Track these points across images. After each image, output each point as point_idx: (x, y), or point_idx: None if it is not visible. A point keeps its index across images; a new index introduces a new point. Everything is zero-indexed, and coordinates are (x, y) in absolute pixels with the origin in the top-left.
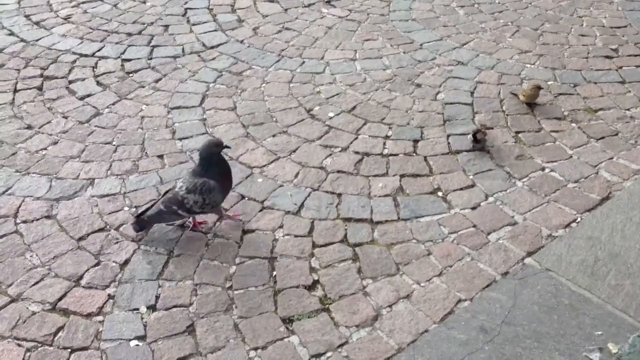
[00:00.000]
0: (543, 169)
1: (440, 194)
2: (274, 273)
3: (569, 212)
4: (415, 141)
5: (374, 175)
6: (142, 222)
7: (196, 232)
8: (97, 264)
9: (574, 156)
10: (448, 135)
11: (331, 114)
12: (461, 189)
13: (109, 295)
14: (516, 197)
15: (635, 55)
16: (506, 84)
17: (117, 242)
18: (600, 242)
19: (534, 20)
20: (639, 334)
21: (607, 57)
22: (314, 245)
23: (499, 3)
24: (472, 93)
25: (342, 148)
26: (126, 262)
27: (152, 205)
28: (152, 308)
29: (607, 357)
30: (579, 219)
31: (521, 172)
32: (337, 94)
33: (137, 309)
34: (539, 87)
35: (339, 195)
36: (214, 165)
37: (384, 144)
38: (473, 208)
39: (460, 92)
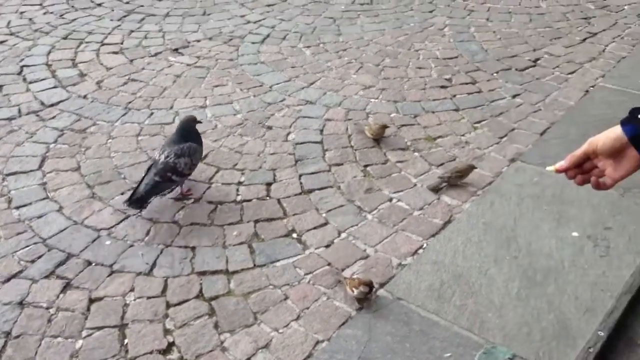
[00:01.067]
0: (391, 199)
1: (295, 235)
2: (126, 341)
3: (416, 239)
4: (269, 184)
5: (229, 224)
6: (138, 202)
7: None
8: None
9: (418, 184)
10: (300, 175)
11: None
12: (315, 228)
13: None
14: (367, 230)
15: (467, 84)
16: (353, 119)
17: None
18: (445, 265)
19: (376, 56)
20: (484, 351)
21: (442, 87)
22: (168, 305)
23: (342, 42)
24: (321, 131)
25: (195, 199)
26: None
27: (136, 188)
28: None
29: None
30: (424, 245)
31: (371, 205)
32: None
33: None
34: (384, 127)
35: (193, 248)
36: (192, 135)
37: (237, 190)
38: (327, 246)
39: (310, 131)
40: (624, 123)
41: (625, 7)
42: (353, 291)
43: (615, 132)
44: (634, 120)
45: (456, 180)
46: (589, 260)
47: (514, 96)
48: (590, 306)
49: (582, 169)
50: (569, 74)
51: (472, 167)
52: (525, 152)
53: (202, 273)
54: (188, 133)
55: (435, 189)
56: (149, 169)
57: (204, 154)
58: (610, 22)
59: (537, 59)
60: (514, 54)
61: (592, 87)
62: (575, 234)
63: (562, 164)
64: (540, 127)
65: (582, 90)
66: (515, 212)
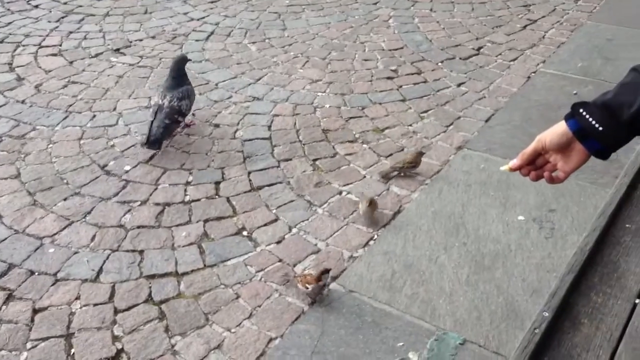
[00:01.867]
0: (340, 192)
1: (245, 233)
2: (72, 351)
3: (366, 231)
4: (217, 183)
5: (177, 225)
6: (155, 143)
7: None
8: None
9: (367, 176)
10: (249, 172)
11: (127, 167)
12: (265, 224)
13: None
14: (318, 224)
15: (413, 74)
16: (300, 114)
17: None
18: (395, 255)
19: (322, 50)
20: (435, 338)
21: (389, 78)
22: (116, 311)
23: (288, 37)
24: (269, 127)
25: (142, 202)
26: None
27: (150, 131)
28: None
29: None
30: (375, 237)
31: (321, 199)
32: (132, 145)
33: None
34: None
35: (141, 252)
36: (184, 75)
37: (185, 190)
38: (278, 242)
39: (258, 127)
40: (567, 118)
41: None
42: (307, 288)
43: (561, 128)
44: (577, 114)
45: (408, 170)
46: (534, 243)
47: (459, 85)
48: (536, 287)
49: (536, 165)
50: (511, 61)
51: (421, 154)
52: (471, 140)
53: (151, 276)
54: (181, 76)
55: (387, 177)
56: (155, 113)
57: (149, 155)
58: (549, 8)
59: (480, 47)
60: (458, 43)
61: (534, 73)
62: (521, 217)
63: (514, 162)
64: (485, 114)
65: (524, 77)
66: (463, 199)
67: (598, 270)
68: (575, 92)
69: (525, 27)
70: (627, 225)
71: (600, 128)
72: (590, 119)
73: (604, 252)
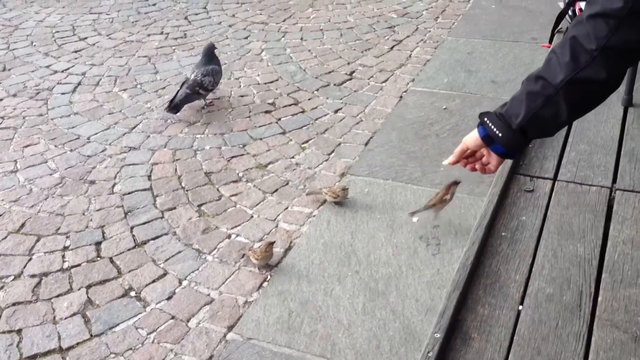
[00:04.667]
0: (229, 236)
1: (133, 293)
2: None
3: (259, 272)
4: (98, 243)
5: (57, 296)
6: (174, 108)
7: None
8: None
9: (255, 215)
10: (132, 228)
11: None
12: (153, 281)
13: None
14: (209, 273)
15: (290, 105)
16: (181, 159)
17: None
18: (291, 293)
19: None
20: None
21: (267, 112)
22: None
23: (160, 80)
24: (149, 177)
25: (15, 275)
26: None
27: (174, 98)
28: None
29: None
30: (269, 277)
31: (210, 246)
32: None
33: None
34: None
35: (19, 331)
36: (213, 58)
37: (63, 256)
38: (168, 298)
39: (137, 178)
40: (477, 125)
41: (424, 13)
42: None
43: (475, 133)
44: (483, 123)
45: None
46: (423, 261)
47: (336, 111)
48: (430, 305)
49: (475, 157)
50: (383, 82)
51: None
52: (353, 165)
53: (33, 357)
54: (210, 57)
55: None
56: (182, 84)
57: (20, 223)
58: (412, 28)
59: (353, 72)
60: (331, 69)
61: (405, 92)
62: (408, 237)
63: (450, 159)
64: (364, 138)
65: (396, 97)
66: (352, 227)
67: (482, 282)
68: (444, 107)
69: (392, 48)
70: (502, 234)
71: (500, 134)
72: (493, 127)
73: (485, 263)
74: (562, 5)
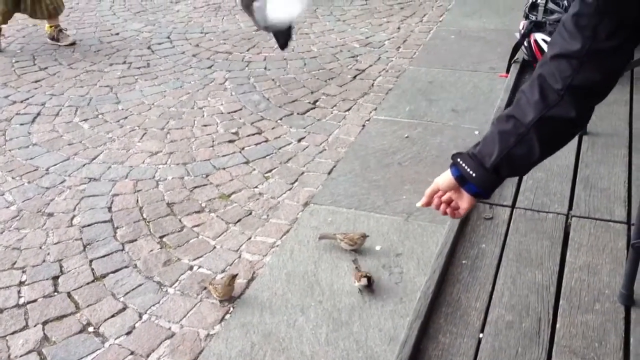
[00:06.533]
0: (191, 267)
1: (91, 329)
2: None
3: (221, 305)
4: (55, 278)
5: (12, 333)
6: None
7: None
8: None
9: (217, 246)
10: (91, 261)
11: None
12: (113, 316)
13: None
14: (170, 306)
15: (254, 134)
16: (142, 190)
17: None
18: (253, 325)
19: (159, 120)
20: None
21: (230, 141)
22: None
23: (122, 109)
24: (109, 208)
25: None
26: None
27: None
28: None
29: None
30: (231, 309)
31: (171, 278)
32: None
33: None
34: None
35: None
36: None
37: (19, 292)
38: (128, 333)
39: (97, 210)
40: (450, 166)
41: (386, 43)
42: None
43: (448, 174)
44: (456, 163)
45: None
46: (386, 290)
47: (299, 140)
48: (393, 335)
49: (447, 200)
50: (346, 111)
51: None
52: (317, 194)
53: None
54: None
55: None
56: None
57: None
58: (375, 57)
59: (316, 101)
60: (295, 98)
61: (368, 120)
62: (371, 265)
63: (422, 200)
64: (327, 167)
65: (359, 125)
66: (315, 256)
67: (443, 310)
68: (406, 135)
69: (355, 77)
70: (463, 262)
71: (474, 174)
72: (466, 167)
73: (446, 291)
74: (518, 36)
